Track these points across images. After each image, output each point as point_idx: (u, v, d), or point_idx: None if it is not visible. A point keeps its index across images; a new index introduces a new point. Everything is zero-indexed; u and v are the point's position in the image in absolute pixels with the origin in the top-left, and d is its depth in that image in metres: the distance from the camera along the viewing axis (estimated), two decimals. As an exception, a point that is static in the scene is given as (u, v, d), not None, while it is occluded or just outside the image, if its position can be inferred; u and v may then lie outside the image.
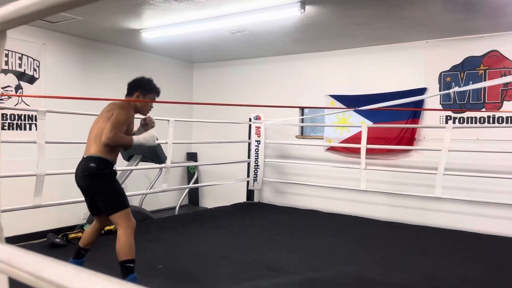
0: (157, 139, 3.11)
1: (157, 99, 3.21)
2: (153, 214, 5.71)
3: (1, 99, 4.84)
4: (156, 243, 4.08)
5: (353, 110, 5.48)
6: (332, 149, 6.04)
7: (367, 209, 5.62)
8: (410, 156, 5.46)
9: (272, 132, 6.53)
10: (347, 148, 5.82)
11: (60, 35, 5.40)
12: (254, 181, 6.33)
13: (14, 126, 4.91)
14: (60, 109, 4.41)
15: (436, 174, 4.73)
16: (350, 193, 5.78)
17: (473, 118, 5.04)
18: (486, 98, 4.96)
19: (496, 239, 4.51)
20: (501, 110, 4.86)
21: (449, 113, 5.18)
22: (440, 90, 5.16)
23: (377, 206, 5.60)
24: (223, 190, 7.04)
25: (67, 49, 5.50)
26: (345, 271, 3.44)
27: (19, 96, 4.96)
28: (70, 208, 5.22)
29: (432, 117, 5.30)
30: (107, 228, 4.15)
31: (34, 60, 5.11)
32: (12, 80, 4.91)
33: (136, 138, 2.95)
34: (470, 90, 4.94)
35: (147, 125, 3.22)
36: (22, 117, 4.98)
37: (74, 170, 2.99)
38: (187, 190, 6.68)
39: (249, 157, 6.36)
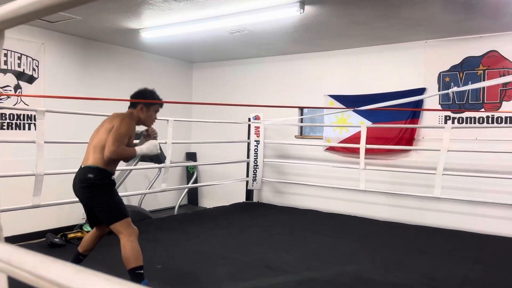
0: (160, 149, 3.05)
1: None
2: (152, 214, 5.71)
3: (0, 99, 4.84)
4: (155, 243, 4.07)
5: (352, 110, 5.49)
6: (331, 149, 6.04)
7: (367, 209, 5.63)
8: (409, 156, 5.46)
9: (271, 132, 6.53)
10: (347, 148, 5.82)
11: (59, 34, 5.39)
12: (253, 181, 6.33)
13: (13, 125, 4.90)
14: (59, 108, 4.40)
15: (435, 174, 4.74)
16: (349, 193, 5.78)
17: (472, 118, 5.04)
18: (485, 98, 4.96)
19: (495, 239, 4.51)
20: (500, 110, 4.86)
21: (448, 113, 5.19)
22: (439, 90, 5.17)
23: (376, 206, 5.60)
24: (222, 190, 7.04)
25: (66, 48, 5.50)
26: (345, 271, 3.45)
27: (18, 95, 4.95)
28: (69, 208, 5.22)
29: (431, 117, 5.30)
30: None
31: (33, 59, 5.10)
32: (11, 79, 4.90)
33: (139, 149, 2.90)
34: (469, 90, 4.95)
35: (149, 136, 3.15)
36: (21, 117, 4.98)
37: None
38: (186, 190, 6.68)
39: (248, 157, 6.36)
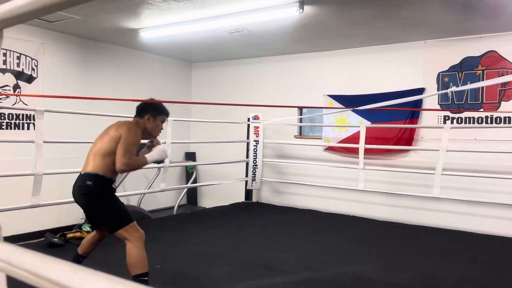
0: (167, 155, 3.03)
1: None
2: (151, 214, 5.71)
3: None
4: (154, 242, 4.07)
5: (352, 110, 5.49)
6: (330, 149, 6.04)
7: (366, 209, 5.63)
8: (408, 156, 5.47)
9: (270, 132, 6.53)
10: (346, 148, 5.82)
11: (59, 34, 5.39)
12: (252, 180, 6.33)
13: (12, 125, 4.90)
14: (58, 108, 4.40)
15: (434, 174, 4.74)
16: (348, 193, 5.78)
17: (471, 118, 5.05)
18: (484, 98, 4.97)
19: (493, 239, 4.52)
20: (499, 110, 4.87)
21: (447, 113, 5.19)
22: (438, 90, 5.17)
23: (376, 206, 5.61)
24: (221, 190, 7.04)
25: (65, 48, 5.49)
26: (344, 271, 3.45)
27: (17, 95, 4.95)
28: (68, 208, 5.20)
29: (430, 117, 5.31)
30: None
31: (32, 59, 5.10)
32: (10, 79, 4.90)
33: (150, 157, 2.86)
34: (468, 90, 4.96)
35: (153, 147, 3.09)
36: (20, 117, 4.97)
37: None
38: (185, 189, 6.68)
39: (247, 157, 6.36)
